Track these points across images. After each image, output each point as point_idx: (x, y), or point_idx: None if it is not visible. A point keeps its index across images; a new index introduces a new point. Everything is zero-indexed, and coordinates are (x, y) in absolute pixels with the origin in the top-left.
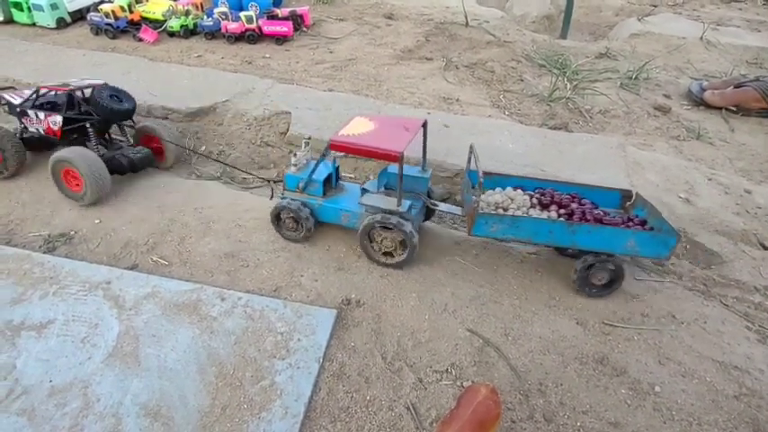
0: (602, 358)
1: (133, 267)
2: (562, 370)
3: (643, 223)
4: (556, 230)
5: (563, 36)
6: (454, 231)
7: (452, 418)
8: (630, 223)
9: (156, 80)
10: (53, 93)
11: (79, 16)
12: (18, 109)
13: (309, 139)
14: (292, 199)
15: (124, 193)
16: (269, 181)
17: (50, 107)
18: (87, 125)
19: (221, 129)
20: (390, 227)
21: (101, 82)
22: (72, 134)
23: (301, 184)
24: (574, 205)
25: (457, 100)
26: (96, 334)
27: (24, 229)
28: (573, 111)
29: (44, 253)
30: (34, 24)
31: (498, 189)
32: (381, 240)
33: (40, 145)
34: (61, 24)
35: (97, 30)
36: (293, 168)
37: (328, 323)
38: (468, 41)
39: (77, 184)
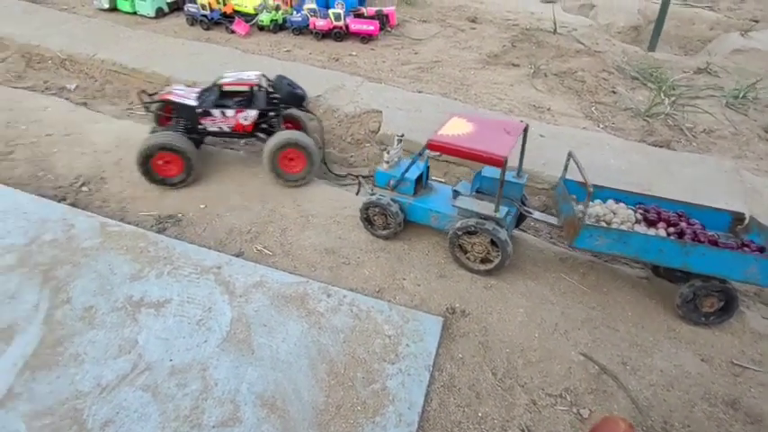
0: (733, 402)
1: (239, 254)
2: (689, 409)
3: (761, 250)
4: (667, 249)
5: (651, 48)
6: (554, 246)
7: None
8: (746, 249)
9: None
10: (227, 88)
11: (176, 7)
12: (199, 110)
13: (402, 136)
14: (381, 195)
15: (224, 181)
16: (357, 176)
17: (232, 103)
18: (272, 114)
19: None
20: (482, 232)
21: (259, 73)
22: (258, 126)
23: (392, 182)
24: (683, 224)
25: (548, 109)
26: (210, 318)
27: (136, 207)
28: (673, 128)
29: (156, 233)
30: (135, 13)
31: (598, 201)
32: (472, 246)
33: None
34: (159, 14)
35: (192, 20)
36: (385, 165)
37: (436, 331)
38: (555, 49)
39: (296, 166)
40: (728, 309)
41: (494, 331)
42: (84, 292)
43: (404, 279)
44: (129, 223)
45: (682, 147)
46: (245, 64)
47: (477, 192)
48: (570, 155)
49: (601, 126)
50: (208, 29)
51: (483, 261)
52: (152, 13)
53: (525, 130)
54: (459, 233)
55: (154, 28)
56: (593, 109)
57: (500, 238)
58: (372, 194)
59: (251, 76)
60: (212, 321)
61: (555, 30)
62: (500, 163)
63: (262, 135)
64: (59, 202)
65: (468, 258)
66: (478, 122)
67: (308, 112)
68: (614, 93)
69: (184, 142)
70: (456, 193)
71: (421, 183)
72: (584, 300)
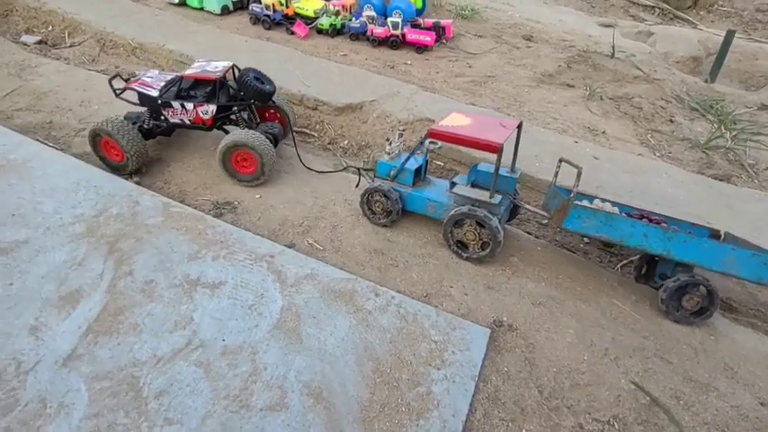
0: None
1: (291, 246)
2: None
3: None
4: (651, 235)
5: (711, 80)
6: (605, 270)
7: None
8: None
9: (309, 72)
10: (192, 81)
11: (240, 6)
12: (160, 101)
13: (404, 131)
14: (383, 184)
15: (280, 174)
16: (359, 168)
17: (194, 96)
18: (235, 109)
19: (365, 126)
20: (478, 219)
21: (230, 64)
22: (219, 120)
23: (393, 172)
24: (664, 225)
25: (603, 132)
26: (262, 303)
27: (195, 191)
28: (733, 163)
29: (213, 217)
30: (202, 9)
31: (586, 200)
32: (465, 236)
33: (159, 134)
34: (224, 11)
35: (255, 19)
36: (386, 157)
37: (482, 341)
38: (612, 73)
39: (250, 166)
40: (707, 309)
41: (541, 349)
42: (146, 267)
43: (451, 287)
44: (188, 205)
45: (742, 183)
46: (305, 65)
47: (473, 184)
48: (562, 160)
49: (657, 154)
50: (269, 28)
51: (483, 247)
52: (218, 10)
53: (520, 127)
54: (449, 227)
55: (219, 24)
56: (648, 136)
57: (491, 225)
58: (374, 183)
59: (218, 67)
60: (264, 307)
61: (613, 54)
62: (495, 149)
63: (229, 128)
64: (126, 179)
65: (471, 251)
66: (476, 117)
67: (276, 107)
68: (672, 122)
69: (120, 130)
70: (453, 184)
71: (419, 175)
72: (637, 327)
